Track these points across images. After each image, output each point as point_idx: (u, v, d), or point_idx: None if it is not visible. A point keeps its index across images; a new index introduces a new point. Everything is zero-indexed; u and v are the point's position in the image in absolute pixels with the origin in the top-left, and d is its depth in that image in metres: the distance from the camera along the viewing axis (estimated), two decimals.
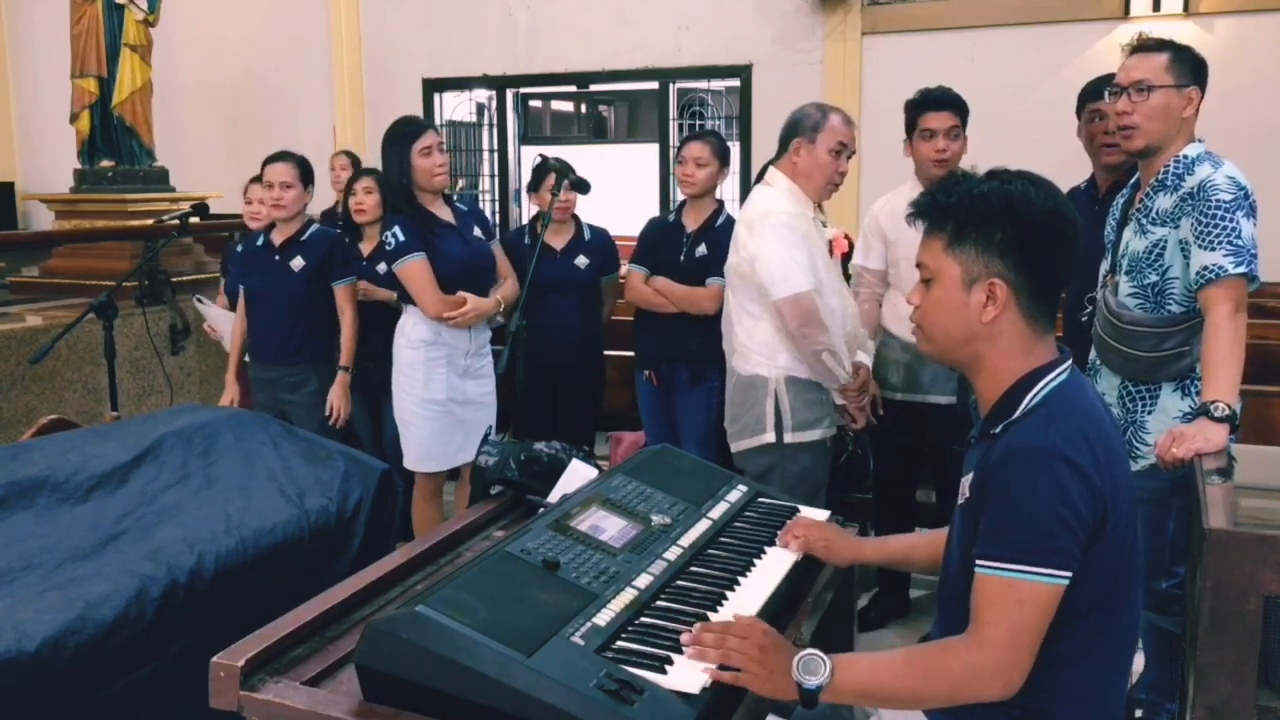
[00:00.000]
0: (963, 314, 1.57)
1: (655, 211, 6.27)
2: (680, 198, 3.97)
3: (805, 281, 2.93)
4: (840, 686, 1.48)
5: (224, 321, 4.31)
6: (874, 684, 1.51)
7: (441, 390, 3.50)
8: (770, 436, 3.05)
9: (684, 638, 1.55)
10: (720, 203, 3.87)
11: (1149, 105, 2.44)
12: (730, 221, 3.84)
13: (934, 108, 3.36)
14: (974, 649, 1.46)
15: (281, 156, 3.88)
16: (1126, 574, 1.55)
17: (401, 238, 3.41)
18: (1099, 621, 1.53)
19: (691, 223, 3.81)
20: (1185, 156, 2.44)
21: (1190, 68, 2.45)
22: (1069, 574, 1.44)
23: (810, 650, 1.49)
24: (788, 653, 1.51)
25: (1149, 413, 2.50)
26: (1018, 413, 1.54)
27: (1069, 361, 1.59)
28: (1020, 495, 1.46)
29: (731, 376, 3.16)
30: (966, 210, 1.56)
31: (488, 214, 7.79)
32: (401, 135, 3.48)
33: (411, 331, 3.52)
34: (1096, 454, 1.48)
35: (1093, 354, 2.66)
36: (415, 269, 3.41)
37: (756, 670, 1.49)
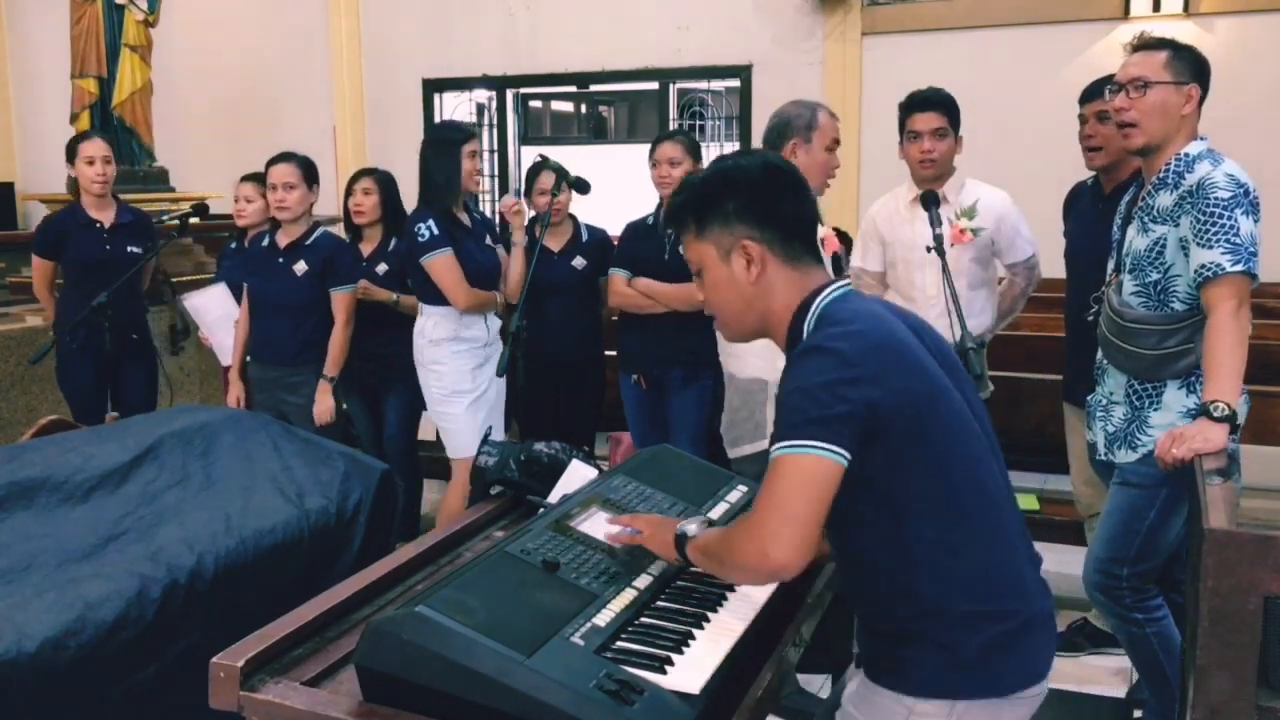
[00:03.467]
0: (734, 284, 1.68)
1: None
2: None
3: None
4: (697, 542, 1.70)
5: (213, 304, 4.25)
6: (706, 544, 1.68)
7: (467, 380, 3.65)
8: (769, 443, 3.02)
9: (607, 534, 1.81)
10: None
11: (1147, 102, 2.44)
12: None
13: (919, 109, 3.37)
14: (747, 522, 1.56)
15: (284, 158, 3.86)
16: (965, 465, 1.58)
17: (436, 231, 3.56)
18: (956, 511, 1.56)
19: None
20: (1186, 155, 2.44)
21: (1190, 65, 2.45)
22: (835, 449, 1.48)
23: (699, 517, 1.81)
24: (675, 523, 1.78)
25: (1154, 409, 2.50)
26: (803, 336, 1.63)
27: (842, 283, 1.68)
28: (786, 387, 1.56)
29: (730, 381, 3.13)
30: (695, 199, 1.71)
31: (487, 214, 7.78)
32: (453, 139, 3.66)
33: (434, 331, 3.66)
34: (860, 346, 1.53)
35: (1099, 353, 2.66)
36: (446, 263, 3.56)
37: (649, 530, 1.79)
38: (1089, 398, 2.74)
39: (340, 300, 3.84)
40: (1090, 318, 2.73)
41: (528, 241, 3.84)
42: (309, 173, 3.87)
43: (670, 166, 3.71)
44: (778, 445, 1.52)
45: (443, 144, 3.65)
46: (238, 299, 4.13)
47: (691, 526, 1.74)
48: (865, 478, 1.52)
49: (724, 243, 1.67)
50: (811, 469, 1.48)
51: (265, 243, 3.95)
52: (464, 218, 3.71)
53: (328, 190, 5.09)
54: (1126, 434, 2.54)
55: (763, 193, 1.68)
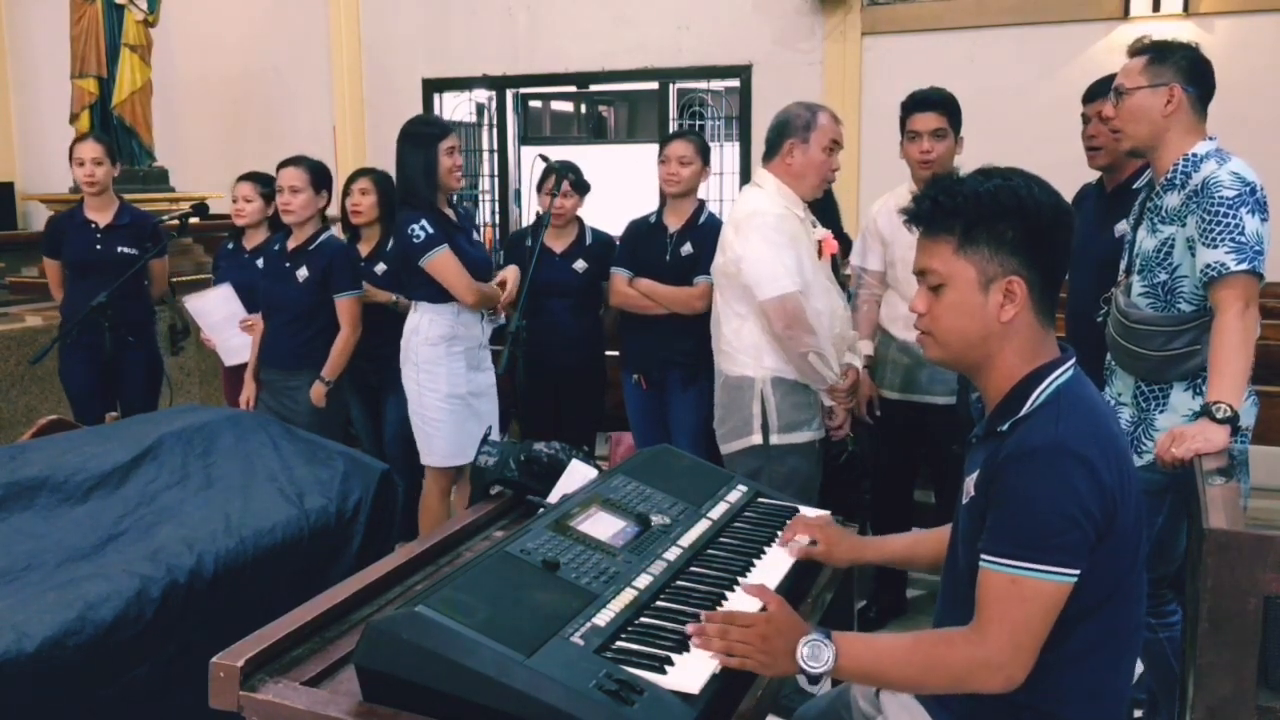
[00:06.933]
0: (980, 315, 1.55)
1: None
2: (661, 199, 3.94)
3: (791, 283, 2.93)
4: (844, 670, 1.52)
5: (218, 305, 4.24)
6: (876, 669, 1.54)
7: (462, 384, 3.57)
8: (757, 438, 3.04)
9: (690, 628, 1.57)
10: (701, 201, 3.86)
11: (1125, 108, 2.50)
12: (713, 219, 3.84)
13: (918, 109, 3.38)
14: (975, 643, 1.47)
15: (294, 161, 3.85)
16: (1133, 571, 1.55)
17: (431, 230, 3.45)
18: (1107, 618, 1.53)
19: (674, 222, 3.79)
20: (1194, 154, 2.44)
21: (1171, 66, 2.46)
22: (1075, 572, 1.45)
23: (814, 636, 1.52)
24: (793, 633, 1.53)
25: (1160, 411, 2.50)
26: (1025, 409, 1.53)
27: (1072, 359, 1.59)
28: (1030, 493, 1.46)
29: (719, 378, 3.16)
30: (975, 210, 1.54)
31: (487, 214, 7.79)
32: (428, 134, 3.52)
33: (429, 329, 3.55)
34: (1106, 450, 1.48)
35: (1109, 354, 2.66)
36: (447, 260, 3.46)
37: (761, 658, 1.52)
38: None
39: (344, 306, 3.78)
40: (1100, 319, 2.73)
41: (532, 241, 3.83)
42: (317, 177, 3.84)
43: (680, 165, 3.71)
44: (1021, 564, 1.44)
45: (419, 139, 3.51)
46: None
47: (820, 665, 1.51)
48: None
49: (989, 270, 1.53)
50: (1057, 595, 1.45)
51: (276, 247, 3.93)
52: (450, 214, 3.62)
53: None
54: (1133, 438, 2.53)
55: (1049, 231, 1.54)
